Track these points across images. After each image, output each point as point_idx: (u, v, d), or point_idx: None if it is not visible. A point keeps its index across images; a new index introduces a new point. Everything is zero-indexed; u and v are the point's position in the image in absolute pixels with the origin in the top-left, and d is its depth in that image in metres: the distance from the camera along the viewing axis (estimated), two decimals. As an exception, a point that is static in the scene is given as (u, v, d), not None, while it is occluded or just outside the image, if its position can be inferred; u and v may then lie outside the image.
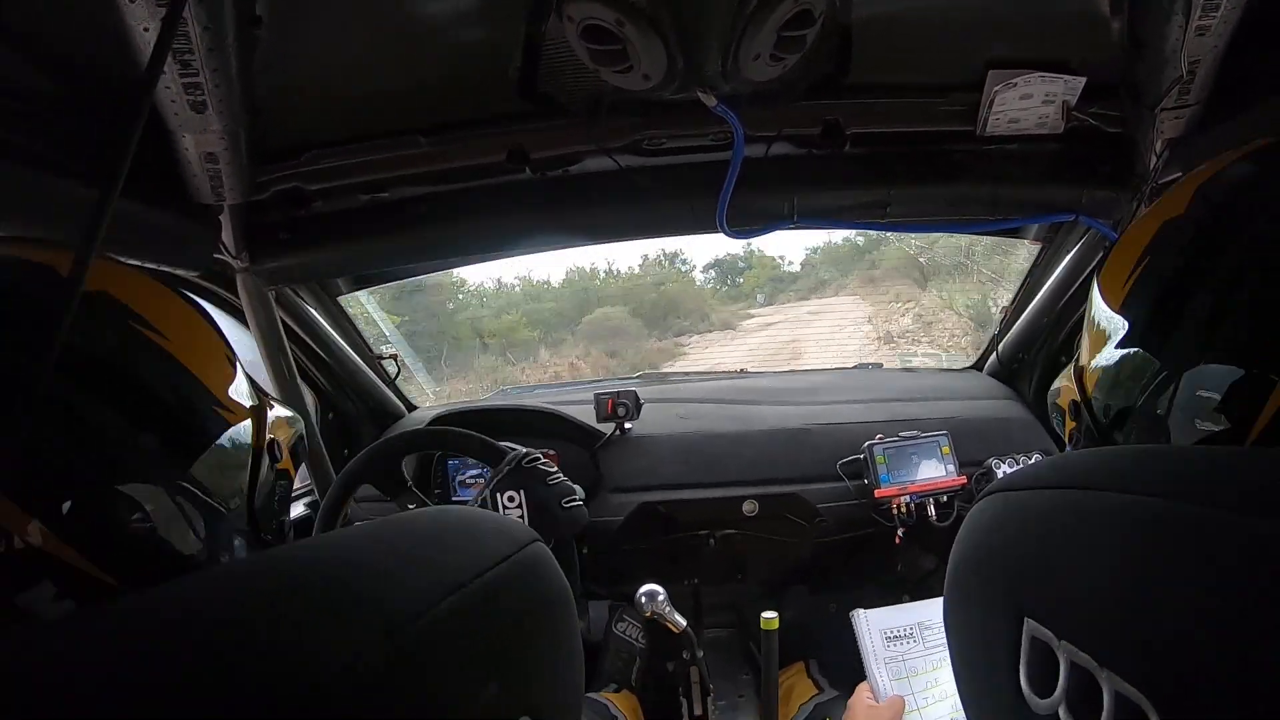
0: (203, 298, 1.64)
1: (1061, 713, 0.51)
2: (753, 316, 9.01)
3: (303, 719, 0.41)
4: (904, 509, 2.13)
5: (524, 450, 1.57)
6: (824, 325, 8.00)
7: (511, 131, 1.58)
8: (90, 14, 1.10)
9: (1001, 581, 0.59)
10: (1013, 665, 0.55)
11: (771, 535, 2.32)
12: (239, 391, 0.77)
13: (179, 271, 1.56)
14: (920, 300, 7.80)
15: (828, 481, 2.24)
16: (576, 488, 1.59)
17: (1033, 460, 2.14)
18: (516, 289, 8.36)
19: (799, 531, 2.30)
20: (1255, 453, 0.54)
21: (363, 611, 0.47)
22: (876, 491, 2.13)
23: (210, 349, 0.76)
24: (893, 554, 2.35)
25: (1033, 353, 2.44)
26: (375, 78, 1.44)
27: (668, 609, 1.78)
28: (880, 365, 3.06)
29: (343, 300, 2.34)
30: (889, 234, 4.88)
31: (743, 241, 1.88)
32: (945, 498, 2.15)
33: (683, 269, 9.12)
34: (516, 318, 7.92)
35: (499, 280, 8.11)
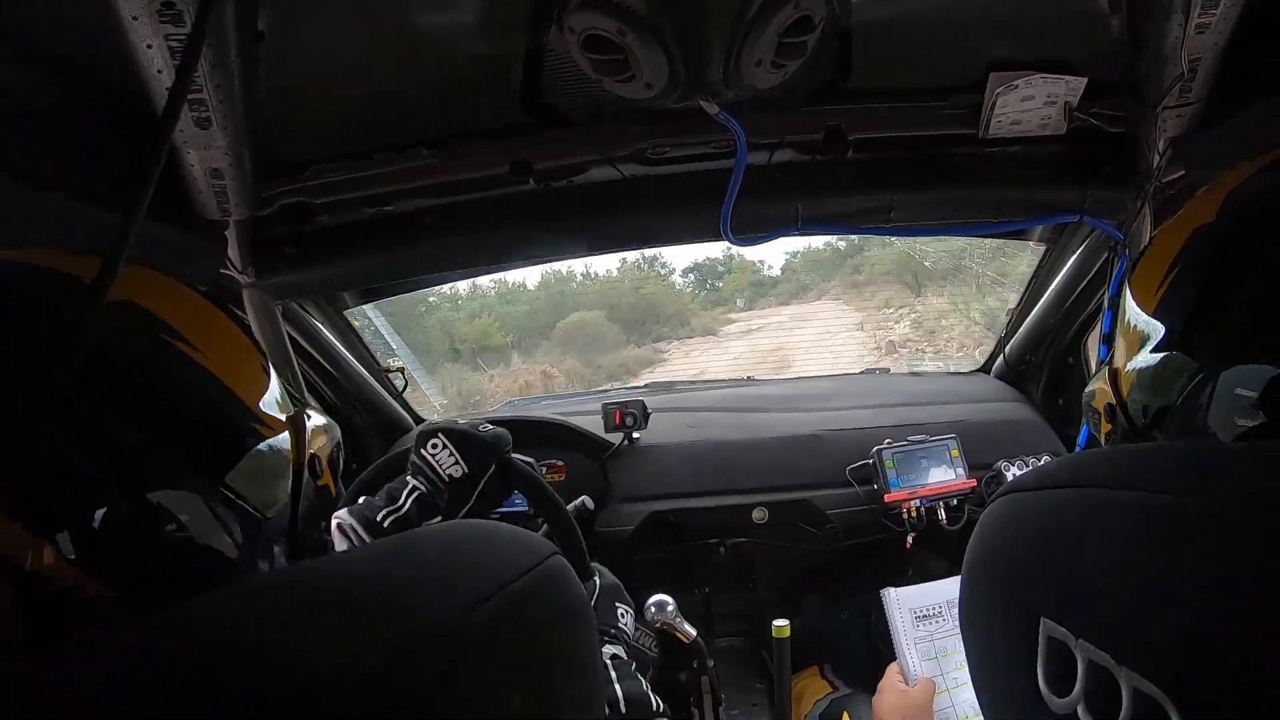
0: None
1: (1080, 712, 0.51)
2: (733, 321, 8.80)
3: None
4: (914, 513, 2.13)
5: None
6: (811, 332, 7.82)
7: (515, 143, 1.58)
8: (95, 32, 1.11)
9: (1016, 582, 0.59)
10: (1030, 666, 0.55)
11: (782, 542, 2.31)
12: (275, 403, 0.75)
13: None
14: (914, 305, 7.68)
15: (837, 487, 2.23)
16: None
17: (1042, 461, 2.14)
18: (491, 292, 7.99)
19: (809, 538, 2.29)
20: (1265, 447, 0.54)
21: (387, 627, 0.48)
22: (886, 496, 2.12)
23: (246, 360, 0.74)
24: (904, 558, 2.33)
25: (1040, 354, 2.43)
26: (378, 91, 1.45)
27: (677, 619, 1.78)
28: (888, 370, 3.05)
29: (349, 314, 2.34)
30: (871, 239, 4.86)
31: (722, 245, 1.88)
32: (955, 501, 2.15)
33: (662, 272, 8.89)
34: (489, 322, 7.53)
35: (473, 283, 7.22)
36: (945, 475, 2.15)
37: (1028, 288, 2.33)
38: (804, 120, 1.59)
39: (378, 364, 2.51)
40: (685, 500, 2.27)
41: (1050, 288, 2.20)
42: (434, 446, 1.45)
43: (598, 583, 1.51)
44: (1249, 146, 1.36)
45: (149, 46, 1.12)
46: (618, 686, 1.25)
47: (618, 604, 1.50)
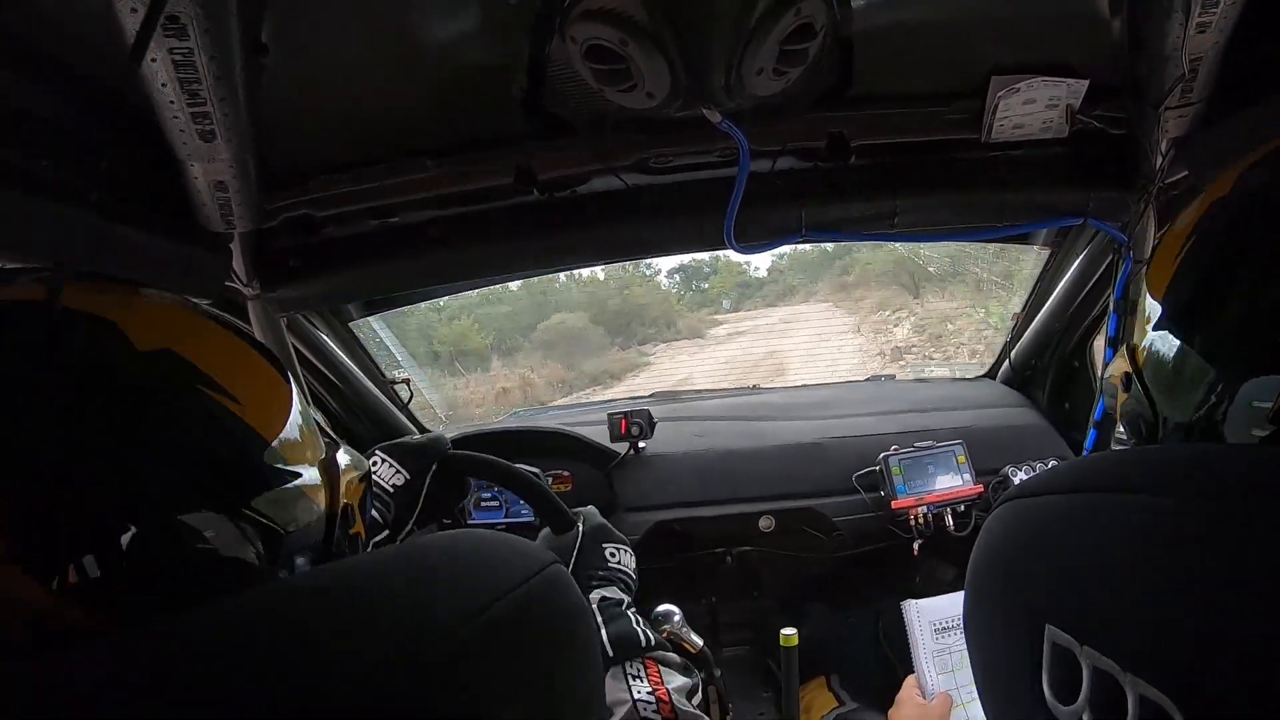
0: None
1: (1085, 718, 0.50)
2: (720, 324, 8.63)
3: None
4: (921, 520, 2.12)
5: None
6: (804, 336, 7.56)
7: (518, 153, 1.58)
8: (99, 44, 1.11)
9: (1021, 589, 0.59)
10: (1035, 673, 0.55)
11: (788, 551, 2.30)
12: (309, 451, 0.74)
13: (201, 302, 1.57)
14: (913, 308, 7.53)
15: (844, 495, 2.23)
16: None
17: (1049, 466, 2.13)
18: (472, 292, 7.39)
19: (816, 546, 2.29)
20: (1269, 450, 0.54)
21: (387, 638, 0.48)
22: (893, 503, 2.12)
23: (280, 406, 0.72)
24: (911, 565, 2.33)
25: (1045, 359, 2.43)
26: (381, 102, 1.45)
27: (683, 629, 1.77)
28: (893, 377, 3.05)
29: (354, 325, 2.35)
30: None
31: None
32: (963, 507, 2.14)
33: (647, 273, 8.70)
34: (468, 323, 6.90)
35: (456, 281, 7.23)
36: (952, 481, 2.14)
37: (1032, 292, 2.33)
38: (806, 127, 1.59)
39: (383, 375, 2.51)
40: (691, 509, 2.27)
41: (1055, 292, 2.20)
42: (374, 464, 1.50)
43: (580, 529, 1.52)
44: (1252, 145, 1.36)
45: (153, 60, 1.13)
46: (604, 630, 1.28)
47: (604, 545, 1.51)
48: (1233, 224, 0.67)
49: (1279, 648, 0.39)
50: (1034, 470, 2.13)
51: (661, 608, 1.76)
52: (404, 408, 2.62)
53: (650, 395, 3.02)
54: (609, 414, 2.34)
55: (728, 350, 8.03)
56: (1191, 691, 0.43)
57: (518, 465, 1.61)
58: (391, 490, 1.50)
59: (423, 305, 2.42)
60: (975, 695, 1.58)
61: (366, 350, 2.43)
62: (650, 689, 1.24)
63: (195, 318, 0.71)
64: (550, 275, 7.44)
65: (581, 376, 7.25)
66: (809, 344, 7.16)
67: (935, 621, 1.70)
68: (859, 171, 1.66)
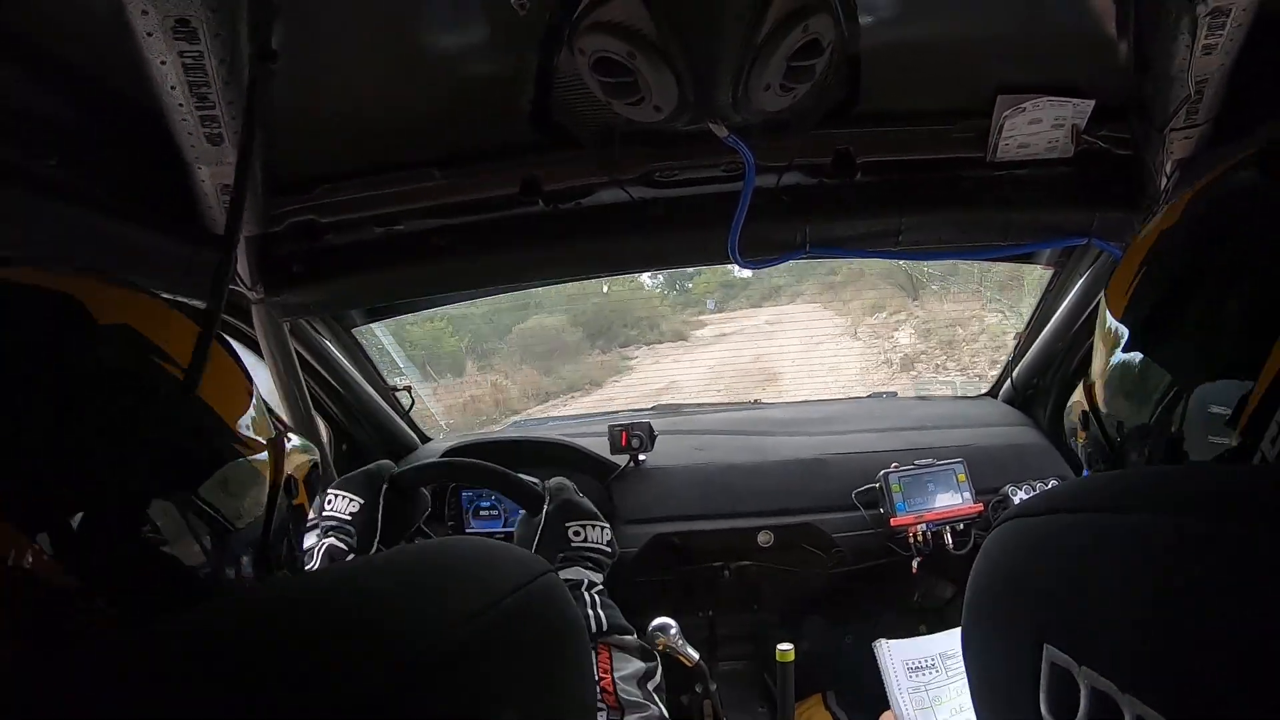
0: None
1: None
2: (705, 325, 8.37)
3: None
4: (920, 537, 2.11)
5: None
6: (793, 339, 7.24)
7: (525, 164, 1.59)
8: (110, 48, 1.12)
9: (1020, 608, 0.58)
10: (1033, 693, 0.55)
11: (787, 566, 2.29)
12: (256, 425, 0.76)
13: (193, 302, 1.57)
14: (913, 311, 7.30)
15: (843, 511, 2.22)
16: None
17: (1049, 486, 2.13)
18: None
19: (815, 562, 2.28)
20: (1268, 469, 0.54)
21: (380, 641, 0.48)
22: (892, 520, 2.11)
23: (229, 382, 0.74)
24: (910, 583, 2.32)
25: (1048, 378, 2.43)
26: (389, 110, 1.46)
27: (680, 642, 1.76)
28: (895, 394, 3.05)
29: (356, 332, 2.35)
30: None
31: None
32: (962, 525, 2.14)
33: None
34: (441, 325, 6.23)
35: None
36: (952, 499, 2.14)
37: (1035, 311, 2.33)
38: (812, 143, 1.60)
39: (384, 382, 2.52)
40: (690, 523, 2.26)
41: (1058, 311, 2.20)
42: (329, 501, 1.54)
43: (545, 512, 1.51)
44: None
45: (163, 63, 1.13)
46: None
47: (568, 524, 1.49)
48: (1185, 245, 0.68)
49: (1276, 668, 0.39)
50: (1034, 490, 2.13)
51: (658, 620, 1.75)
52: (405, 415, 2.62)
53: (651, 408, 3.02)
54: (610, 426, 2.34)
55: (714, 354, 7.79)
56: (1188, 712, 0.42)
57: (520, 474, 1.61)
58: (349, 518, 1.53)
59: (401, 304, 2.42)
60: None
61: (369, 357, 2.43)
62: (595, 678, 1.23)
63: (153, 300, 0.72)
64: (533, 277, 7.41)
65: (559, 382, 7.02)
66: (802, 349, 6.98)
67: (908, 660, 1.70)
68: (864, 188, 1.66)
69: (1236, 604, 0.42)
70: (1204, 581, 0.44)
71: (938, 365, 6.61)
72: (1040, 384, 2.46)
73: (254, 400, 0.77)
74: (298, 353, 1.94)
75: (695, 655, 1.78)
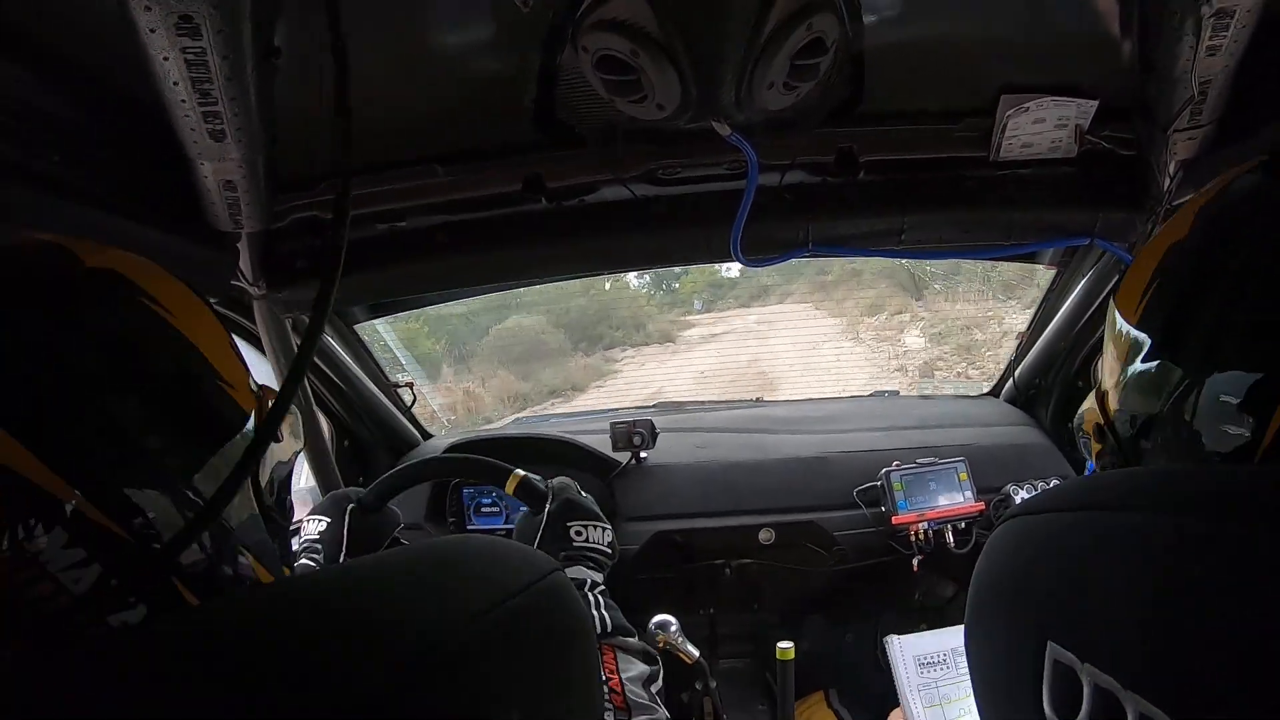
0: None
1: None
2: (693, 326, 8.04)
3: None
4: (922, 536, 2.11)
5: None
6: (787, 340, 6.90)
7: (528, 161, 1.59)
8: (113, 43, 1.12)
9: (1023, 606, 0.59)
10: (1035, 690, 0.55)
11: (788, 564, 2.29)
12: (239, 371, 0.77)
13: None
14: (917, 311, 7.00)
15: (845, 509, 2.22)
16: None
17: (1051, 485, 2.12)
18: None
19: (816, 560, 2.28)
20: (1268, 470, 0.54)
21: (382, 640, 0.48)
22: (894, 518, 2.11)
23: (210, 327, 0.76)
24: (911, 582, 2.32)
25: (1050, 378, 2.42)
26: (393, 108, 1.46)
27: (680, 639, 1.77)
28: (897, 393, 3.05)
29: (359, 328, 2.35)
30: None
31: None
32: (963, 524, 2.14)
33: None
34: (417, 326, 5.45)
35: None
36: (953, 498, 2.14)
37: (1038, 311, 2.33)
38: (816, 142, 1.60)
39: (387, 379, 2.52)
40: (691, 520, 2.26)
41: (1060, 311, 2.20)
42: (304, 526, 1.60)
43: (547, 510, 1.52)
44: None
45: (165, 59, 1.13)
46: None
47: (569, 524, 1.49)
48: (1197, 252, 0.68)
49: (1275, 668, 0.39)
50: (1036, 489, 2.13)
51: (659, 618, 1.76)
52: (407, 411, 2.62)
53: (654, 406, 3.03)
54: (611, 423, 2.34)
55: (704, 356, 7.50)
56: (1191, 709, 0.42)
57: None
58: (318, 536, 1.57)
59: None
60: None
61: (371, 353, 2.43)
62: (604, 678, 1.23)
63: (136, 257, 0.74)
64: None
65: (538, 388, 6.61)
66: (800, 351, 6.66)
67: (919, 656, 1.70)
68: (867, 187, 1.66)
69: (1236, 604, 0.42)
70: (1204, 581, 0.44)
71: (958, 373, 6.25)
72: (1042, 384, 2.46)
73: (236, 351, 0.79)
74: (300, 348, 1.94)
75: (696, 653, 1.78)
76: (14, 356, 0.58)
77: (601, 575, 1.46)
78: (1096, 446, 0.84)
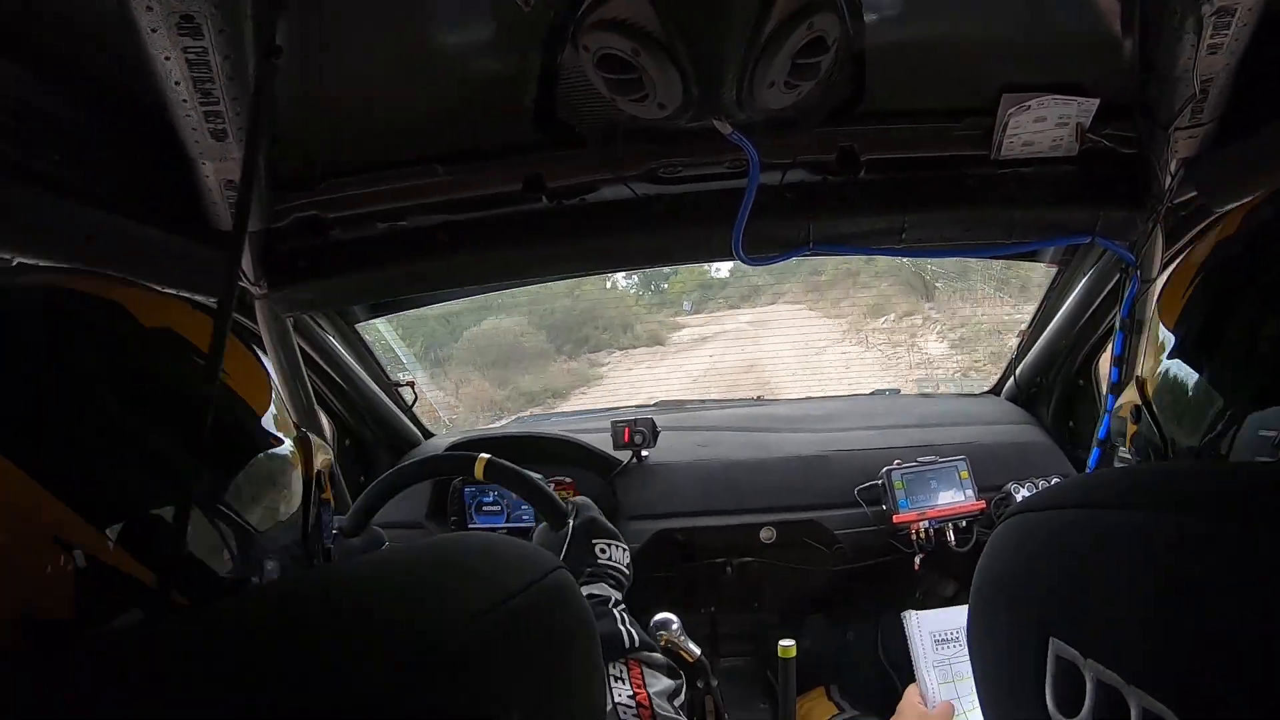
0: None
1: None
2: (683, 328, 7.85)
3: None
4: (923, 534, 2.11)
5: None
6: (783, 343, 6.63)
7: (528, 160, 1.59)
8: (114, 43, 1.12)
9: (1025, 602, 0.59)
10: (1038, 685, 0.55)
11: (789, 563, 2.30)
12: (285, 424, 0.79)
13: (197, 297, 1.58)
14: (927, 312, 6.76)
15: (846, 508, 2.22)
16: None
17: (1052, 483, 2.13)
18: None
19: (817, 559, 2.28)
20: (1268, 469, 0.54)
21: (382, 639, 0.48)
22: (895, 517, 2.11)
23: (262, 385, 0.77)
24: (912, 580, 2.32)
25: (1051, 376, 2.42)
26: (394, 107, 1.46)
27: (681, 638, 1.76)
28: (898, 391, 3.05)
29: (360, 328, 2.35)
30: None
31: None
32: (964, 523, 2.13)
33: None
34: (393, 328, 5.18)
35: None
36: (954, 497, 2.14)
37: (1039, 309, 2.33)
38: (817, 141, 1.60)
39: (388, 378, 2.52)
40: (693, 519, 2.26)
41: (1061, 309, 2.20)
42: None
43: (570, 526, 1.52)
44: (1261, 168, 1.36)
45: (167, 59, 1.14)
46: None
47: (594, 541, 1.50)
48: (1241, 259, 0.69)
49: (1275, 668, 0.39)
50: (1037, 487, 2.12)
51: (660, 616, 1.76)
52: (408, 410, 2.62)
53: (655, 404, 3.03)
54: (613, 422, 2.34)
55: (696, 360, 7.23)
56: (1195, 705, 0.43)
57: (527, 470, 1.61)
58: None
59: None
60: (977, 704, 1.58)
61: (372, 352, 2.43)
62: (631, 692, 1.23)
63: (184, 304, 0.76)
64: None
65: (516, 396, 6.31)
66: (799, 355, 6.43)
67: (935, 632, 1.70)
68: (868, 186, 1.66)
69: (1236, 603, 0.42)
70: (1205, 580, 0.44)
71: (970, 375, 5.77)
72: (1043, 382, 2.46)
73: (275, 398, 0.80)
74: (301, 348, 1.95)
75: (697, 651, 1.78)
76: (72, 423, 0.59)
77: (621, 594, 1.46)
78: (1132, 429, 0.85)
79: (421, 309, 2.53)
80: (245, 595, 0.64)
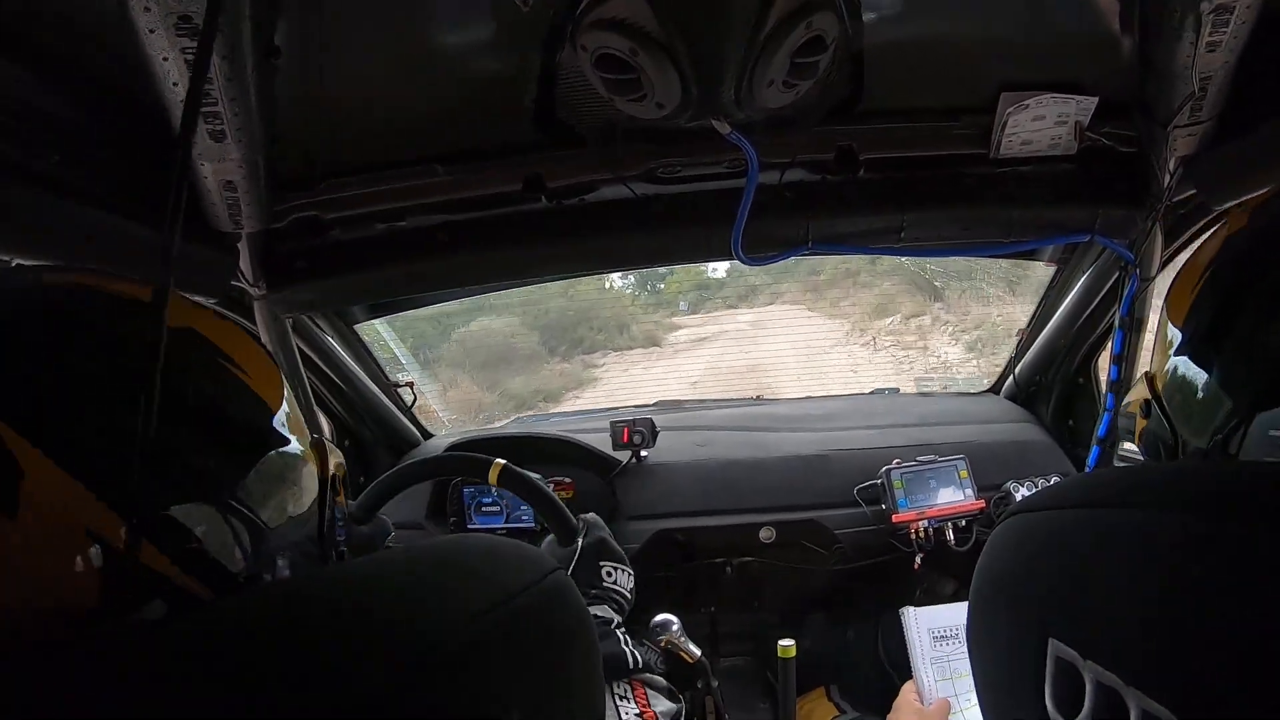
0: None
1: None
2: (680, 328, 7.65)
3: None
4: (922, 534, 2.11)
5: None
6: (784, 345, 6.42)
7: (528, 160, 1.59)
8: (112, 44, 1.12)
9: (1025, 603, 0.59)
10: (1037, 686, 0.55)
11: (789, 562, 2.30)
12: (298, 424, 0.80)
13: (197, 298, 1.58)
14: (936, 313, 6.54)
15: (845, 507, 2.23)
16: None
17: (1051, 482, 2.13)
18: None
19: (817, 558, 2.28)
20: (1269, 468, 0.54)
21: (381, 640, 0.48)
22: (894, 516, 2.11)
23: (279, 387, 0.78)
24: (912, 580, 2.32)
25: (1050, 375, 2.43)
26: (393, 108, 1.46)
27: (682, 638, 1.76)
28: (897, 390, 3.05)
29: (359, 328, 2.35)
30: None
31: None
32: (964, 522, 2.14)
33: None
34: (364, 332, 4.78)
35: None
36: (954, 496, 2.14)
37: (1038, 308, 2.34)
38: (815, 140, 1.60)
39: (387, 378, 2.52)
40: (692, 519, 2.26)
41: (1060, 308, 2.20)
42: None
43: (579, 544, 1.52)
44: (1260, 166, 1.36)
45: (165, 59, 1.13)
46: None
47: (602, 563, 1.51)
48: (1249, 257, 0.69)
49: (1275, 670, 0.39)
50: (1036, 486, 2.13)
51: (660, 617, 1.76)
52: (407, 411, 2.62)
53: (654, 404, 3.03)
54: (611, 422, 2.34)
55: (695, 362, 7.08)
56: (1194, 706, 0.43)
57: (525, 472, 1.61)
58: None
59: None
60: (974, 702, 1.58)
61: (371, 353, 2.43)
62: (639, 710, 1.24)
63: (202, 307, 0.78)
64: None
65: (505, 400, 5.91)
66: (803, 357, 6.26)
67: (934, 629, 1.70)
68: (867, 185, 1.66)
69: (1237, 604, 0.42)
70: (1205, 580, 0.44)
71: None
72: (1043, 380, 2.47)
73: (288, 396, 0.81)
74: (300, 349, 1.94)
75: (697, 652, 1.78)
76: (93, 420, 0.60)
77: (622, 619, 1.47)
78: (1141, 423, 0.86)
79: (412, 310, 2.54)
80: (246, 595, 0.64)
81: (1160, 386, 0.80)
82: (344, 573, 0.63)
